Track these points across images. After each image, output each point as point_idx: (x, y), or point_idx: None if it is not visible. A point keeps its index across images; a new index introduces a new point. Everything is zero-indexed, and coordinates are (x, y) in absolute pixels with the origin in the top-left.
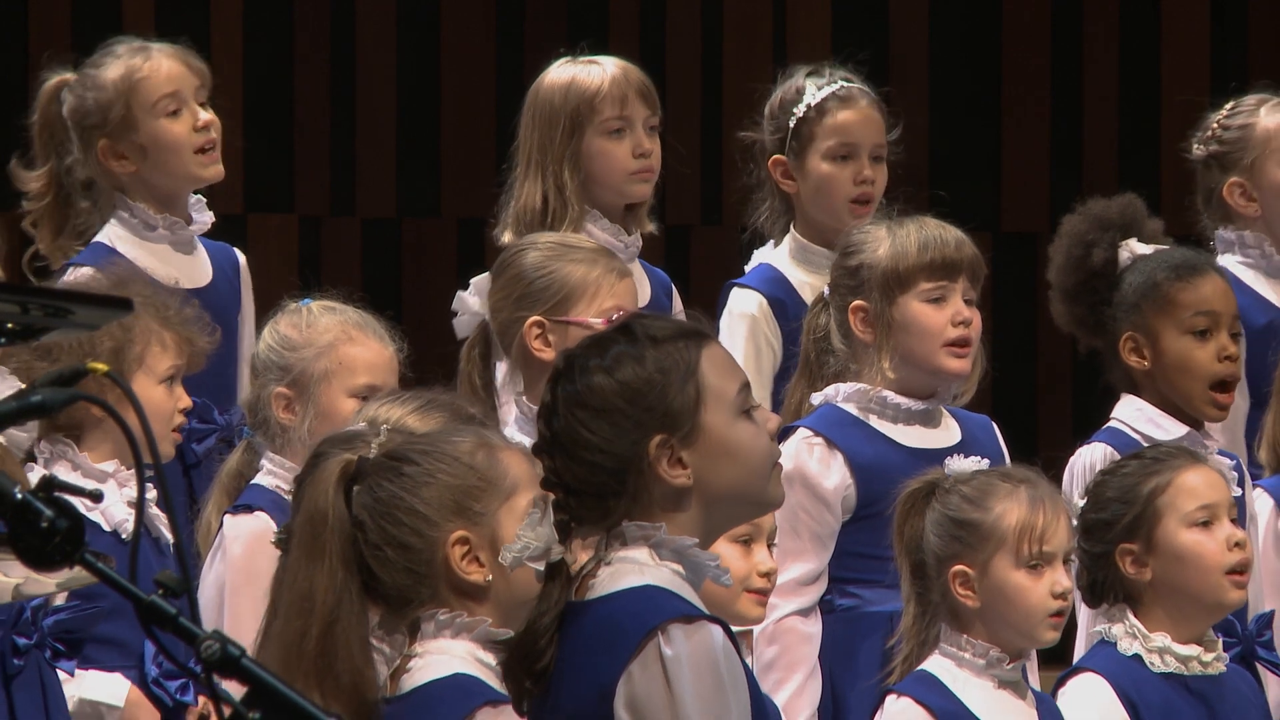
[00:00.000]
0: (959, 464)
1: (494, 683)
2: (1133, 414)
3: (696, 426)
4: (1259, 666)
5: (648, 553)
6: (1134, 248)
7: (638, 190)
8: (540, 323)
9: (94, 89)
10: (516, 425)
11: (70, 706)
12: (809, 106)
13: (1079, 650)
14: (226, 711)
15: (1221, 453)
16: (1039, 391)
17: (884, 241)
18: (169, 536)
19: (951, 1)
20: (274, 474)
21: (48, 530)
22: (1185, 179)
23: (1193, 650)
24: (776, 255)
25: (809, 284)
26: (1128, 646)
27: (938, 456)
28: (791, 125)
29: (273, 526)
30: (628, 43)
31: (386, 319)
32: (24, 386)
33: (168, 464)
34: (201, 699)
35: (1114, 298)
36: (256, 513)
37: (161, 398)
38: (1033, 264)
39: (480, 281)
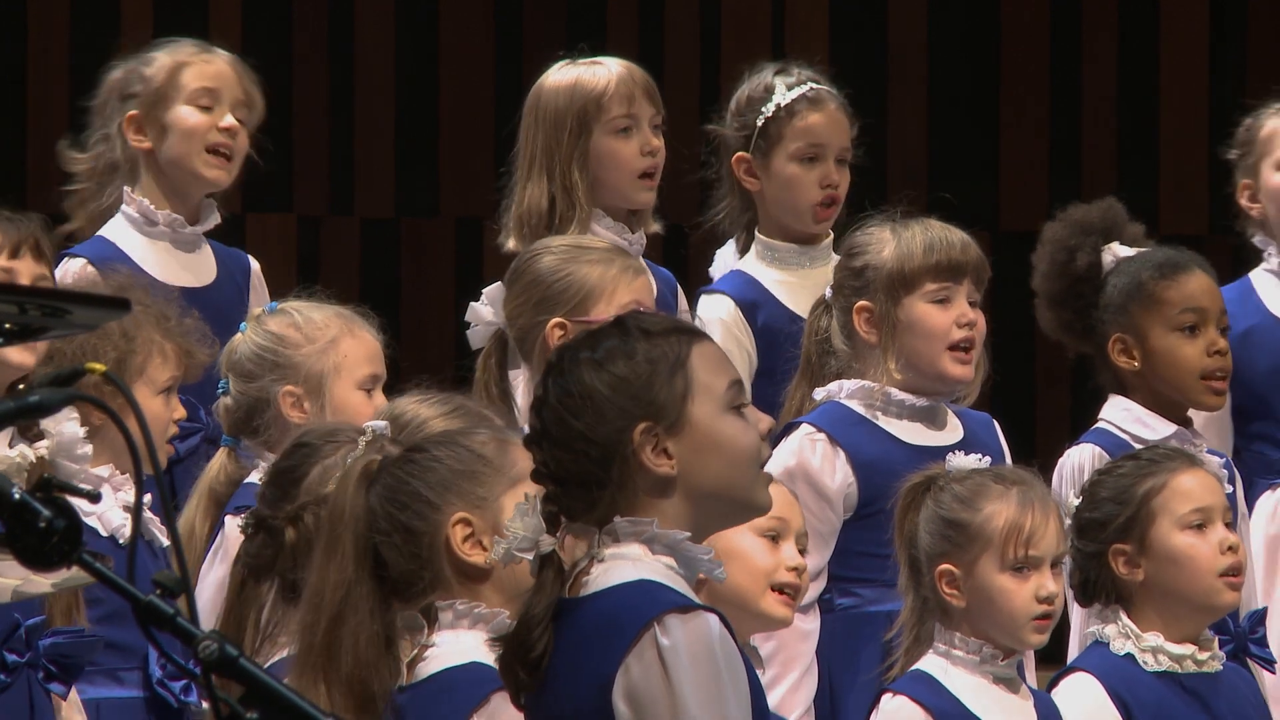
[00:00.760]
0: (960, 461)
1: None
2: (1120, 414)
3: (682, 417)
4: (1250, 663)
5: (641, 548)
6: (1117, 251)
7: (642, 197)
8: (562, 324)
9: (145, 64)
10: None
11: None
12: (778, 107)
13: (1073, 651)
14: (224, 711)
15: (1210, 451)
16: (1037, 391)
17: (889, 243)
18: (163, 540)
19: (951, 1)
20: None
21: (45, 530)
22: (1184, 179)
23: (1186, 649)
24: (744, 259)
25: (780, 282)
26: (1120, 646)
27: (940, 454)
28: (759, 124)
29: None
30: (626, 43)
31: (384, 318)
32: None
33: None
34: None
35: (1100, 300)
36: None
37: (159, 409)
38: (1032, 264)
39: (493, 291)
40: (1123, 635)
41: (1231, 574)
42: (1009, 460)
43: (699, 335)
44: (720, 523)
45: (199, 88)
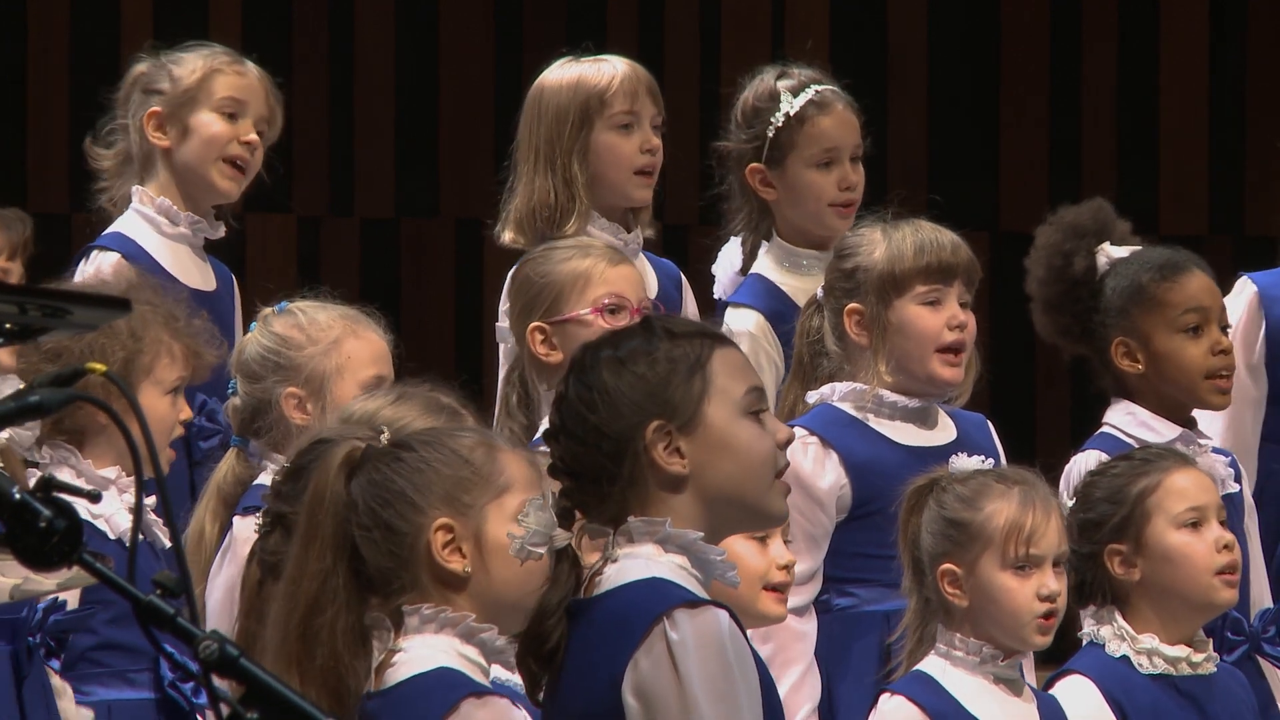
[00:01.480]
0: (963, 462)
1: (477, 676)
2: (1124, 418)
3: (697, 417)
4: (1263, 662)
5: (654, 547)
6: (1110, 252)
7: (639, 195)
8: (541, 328)
9: (175, 62)
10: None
11: None
12: (788, 115)
13: None
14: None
15: (1216, 450)
16: (1037, 391)
17: (880, 244)
18: (165, 542)
19: (950, 1)
20: None
21: (46, 530)
22: (1184, 179)
23: (1181, 651)
24: (763, 264)
25: (800, 288)
26: (1116, 648)
27: (934, 455)
28: (770, 135)
29: None
30: (626, 43)
31: (383, 317)
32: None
33: (173, 462)
34: None
35: (1099, 304)
36: None
37: (166, 409)
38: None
39: (504, 305)
40: (1118, 637)
41: (1227, 572)
42: (1003, 460)
43: (724, 340)
44: (734, 528)
45: (227, 96)
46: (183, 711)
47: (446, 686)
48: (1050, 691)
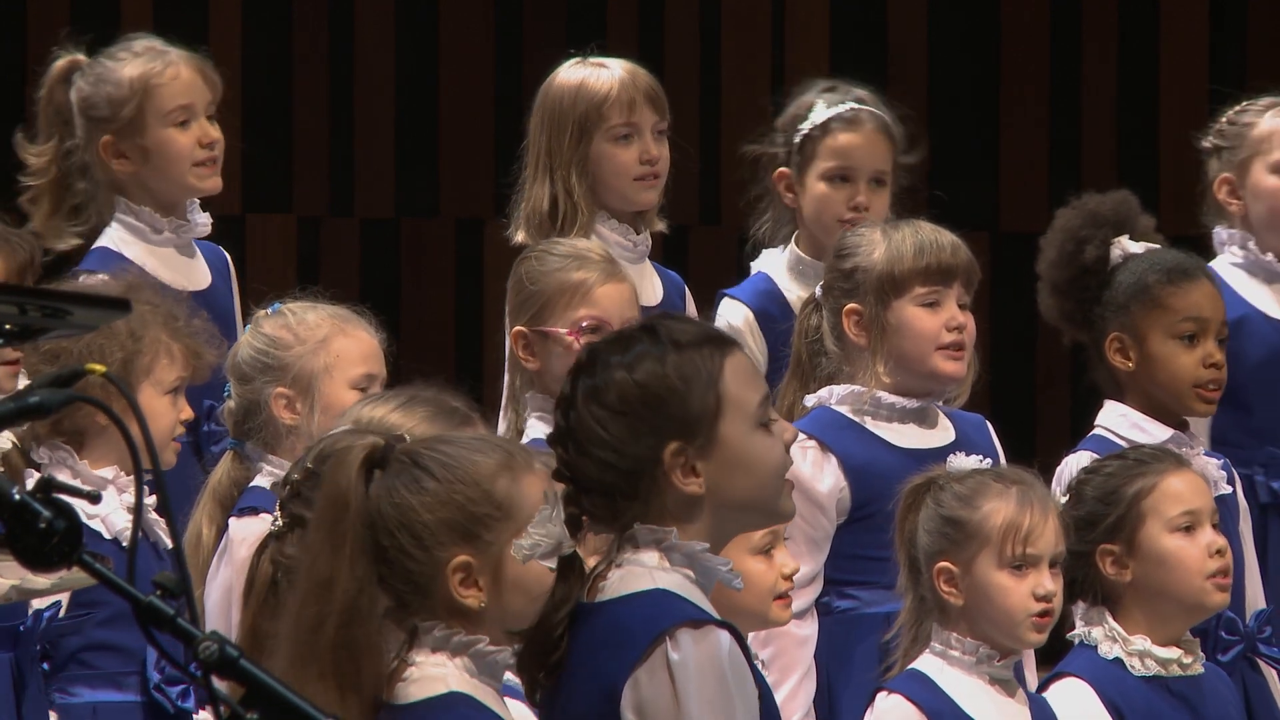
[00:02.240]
0: (961, 461)
1: (488, 701)
2: (1117, 420)
3: (714, 437)
4: (1260, 662)
5: (658, 556)
6: (1126, 245)
7: (643, 198)
8: (523, 333)
9: (109, 83)
10: (538, 418)
11: None
12: (814, 125)
13: None
14: (225, 712)
15: (1208, 453)
16: (1037, 391)
17: (879, 245)
18: (167, 542)
19: (950, 1)
20: (274, 475)
21: (45, 531)
22: (1184, 179)
23: (1172, 653)
24: (773, 265)
25: (801, 297)
26: (1108, 650)
27: (932, 457)
28: (797, 141)
29: None
30: (626, 43)
31: (384, 318)
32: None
33: (185, 466)
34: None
35: (1104, 296)
36: (262, 514)
37: (165, 409)
38: (1031, 264)
39: None
40: (1109, 639)
41: (1219, 576)
42: (1002, 461)
43: (730, 345)
44: (743, 529)
45: (174, 107)
46: (168, 715)
47: (456, 715)
48: (1046, 694)
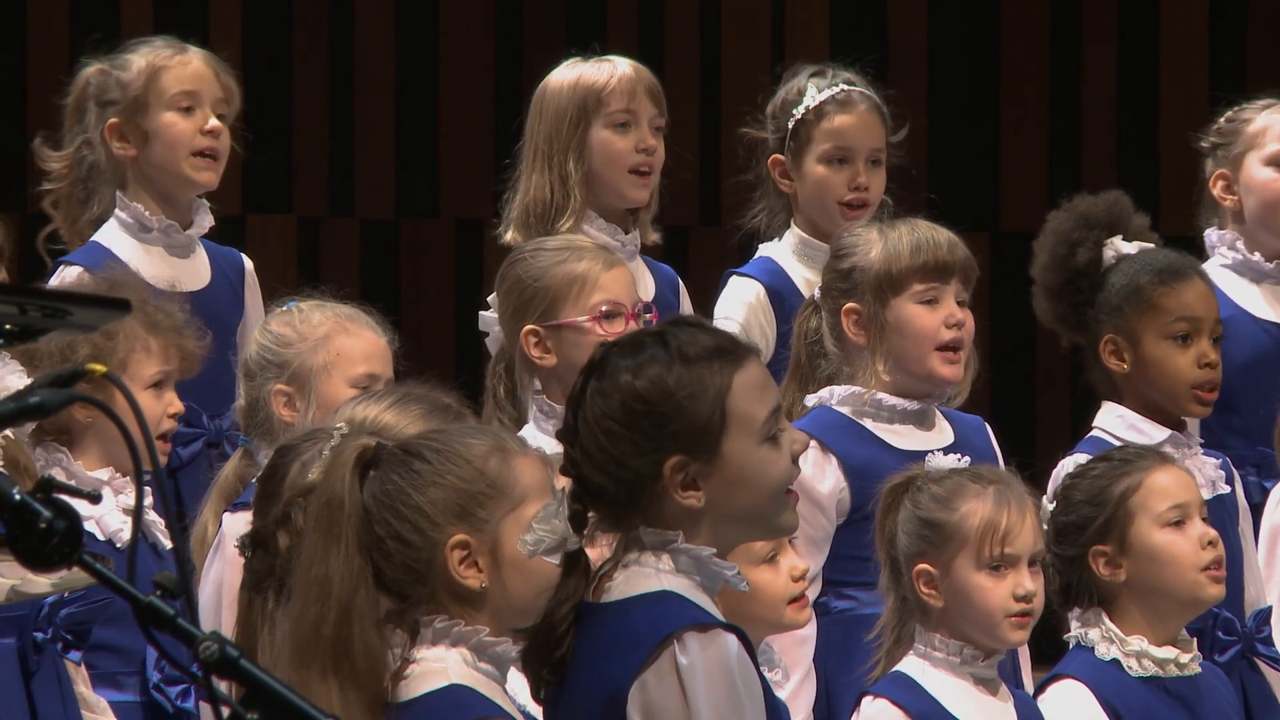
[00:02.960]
0: (938, 461)
1: (489, 692)
2: (1113, 421)
3: (717, 453)
4: (1259, 662)
5: (665, 558)
6: (1119, 247)
7: (635, 194)
8: (535, 331)
9: (121, 68)
10: (534, 423)
11: None
12: (807, 109)
13: None
14: (225, 712)
15: (1207, 452)
16: (1036, 392)
17: (876, 244)
18: (165, 542)
19: (950, 1)
20: None
21: (46, 531)
22: (1184, 179)
23: (1169, 653)
24: (778, 249)
25: (808, 279)
26: (1105, 651)
27: None
28: (790, 126)
29: None
30: (626, 43)
31: (377, 312)
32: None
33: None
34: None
35: (1097, 298)
36: None
37: (148, 404)
38: (1031, 264)
39: (494, 298)
40: (1106, 640)
41: (1213, 568)
42: (1001, 463)
43: (742, 358)
44: (743, 541)
45: (179, 91)
46: (167, 715)
47: (455, 707)
48: (1043, 696)
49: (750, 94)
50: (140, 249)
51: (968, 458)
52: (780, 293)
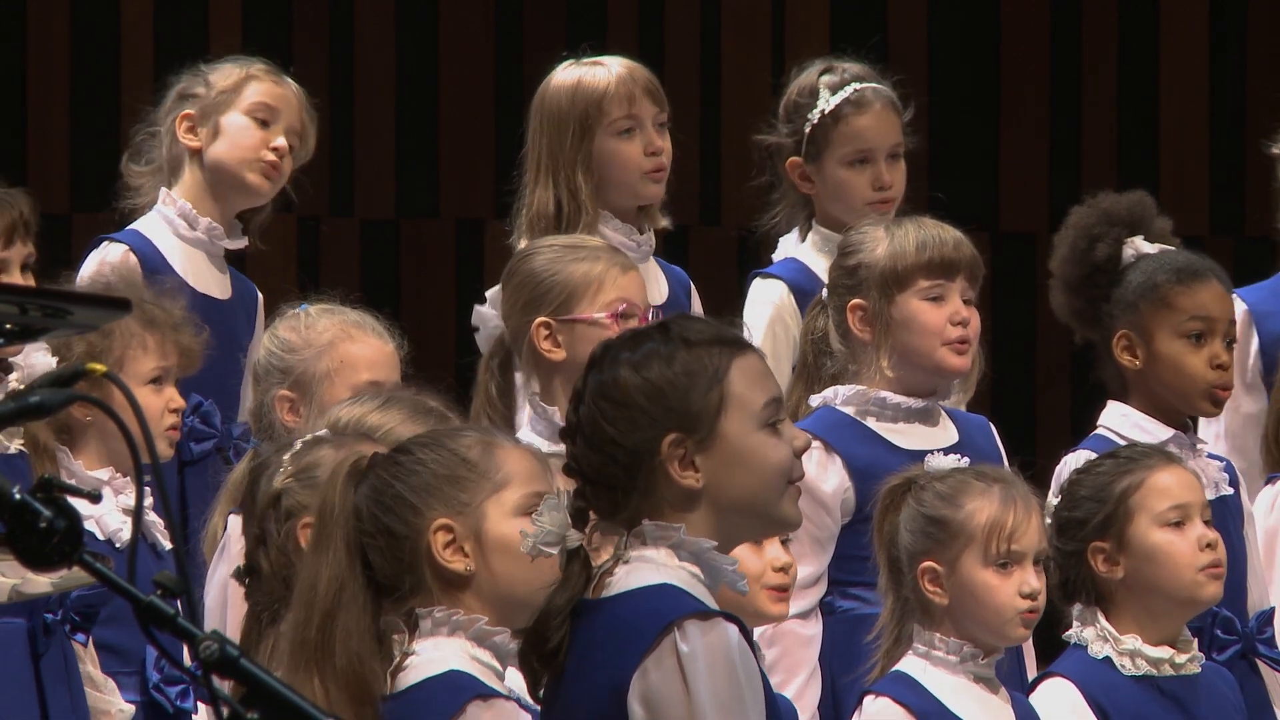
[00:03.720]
0: (939, 461)
1: (488, 679)
2: (1118, 420)
3: (714, 431)
4: (1259, 663)
5: (666, 553)
6: (1139, 246)
7: (650, 191)
8: (547, 323)
9: (213, 70)
10: (530, 426)
11: None
12: (824, 113)
13: None
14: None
15: (1212, 455)
16: (1037, 391)
17: (882, 241)
18: (165, 542)
19: (950, 1)
20: None
21: (46, 530)
22: (1184, 179)
23: (1164, 652)
24: (800, 248)
25: None
26: (1099, 650)
27: None
28: (807, 131)
29: None
30: (626, 43)
31: (385, 318)
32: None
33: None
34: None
35: (1114, 294)
36: None
37: (147, 400)
38: (1031, 264)
39: (494, 293)
40: (1100, 638)
41: (1211, 569)
42: (1005, 463)
43: (743, 347)
44: (746, 536)
45: (260, 101)
46: (167, 716)
47: (453, 689)
48: (1033, 694)
49: (750, 94)
50: (179, 246)
51: (967, 458)
52: (806, 291)
